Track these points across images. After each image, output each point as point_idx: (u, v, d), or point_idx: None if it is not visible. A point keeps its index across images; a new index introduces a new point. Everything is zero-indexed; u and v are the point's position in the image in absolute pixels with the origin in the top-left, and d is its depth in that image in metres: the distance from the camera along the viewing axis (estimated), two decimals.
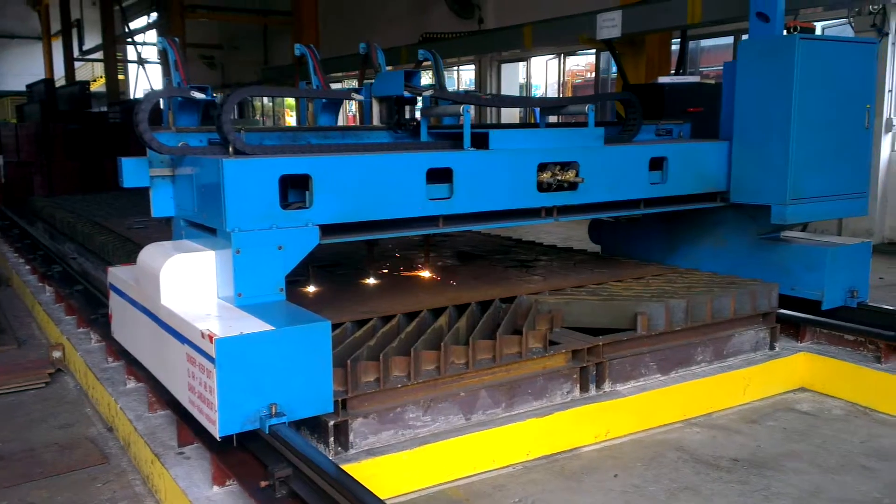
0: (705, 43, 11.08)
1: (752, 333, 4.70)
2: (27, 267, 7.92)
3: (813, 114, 4.53)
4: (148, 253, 3.72)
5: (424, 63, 4.64)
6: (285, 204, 3.58)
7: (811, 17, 9.86)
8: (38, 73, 32.38)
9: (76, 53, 32.64)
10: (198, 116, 4.05)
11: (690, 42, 11.66)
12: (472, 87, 16.64)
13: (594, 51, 12.40)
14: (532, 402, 3.93)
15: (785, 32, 4.70)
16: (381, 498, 2.50)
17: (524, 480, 3.62)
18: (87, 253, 7.43)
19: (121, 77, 33.88)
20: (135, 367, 4.21)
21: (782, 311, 4.92)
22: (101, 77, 32.55)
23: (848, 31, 9.70)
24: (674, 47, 9.24)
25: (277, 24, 24.21)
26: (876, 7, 9.07)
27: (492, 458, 3.70)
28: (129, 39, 28.58)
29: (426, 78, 5.77)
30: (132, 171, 3.81)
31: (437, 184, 3.92)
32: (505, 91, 15.74)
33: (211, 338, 2.90)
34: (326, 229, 3.63)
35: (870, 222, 9.52)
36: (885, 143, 9.41)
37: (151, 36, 33.40)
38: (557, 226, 10.55)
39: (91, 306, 5.63)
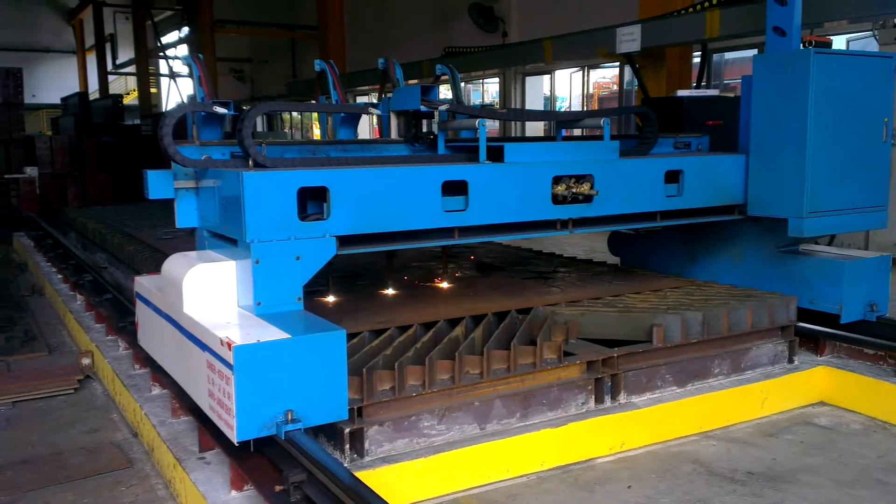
0: (730, 56, 11.07)
1: (770, 347, 4.70)
2: (59, 276, 8.11)
3: (829, 127, 4.54)
4: (172, 263, 3.83)
5: (442, 77, 4.71)
6: (304, 215, 3.67)
7: (834, 31, 9.82)
8: (73, 87, 33.10)
9: (109, 67, 33.33)
10: (221, 130, 4.15)
11: (715, 55, 11.67)
12: (497, 101, 16.72)
13: (618, 63, 12.44)
14: (547, 413, 3.97)
15: (802, 47, 4.71)
16: None
17: (538, 490, 3.66)
18: (117, 262, 7.61)
19: (153, 90, 34.51)
20: (159, 374, 4.32)
21: (802, 324, 4.91)
22: (134, 90, 33.20)
23: (873, 45, 9.63)
24: (697, 60, 9.29)
25: (305, 38, 24.54)
26: None
27: (506, 468, 3.74)
28: (161, 54, 29.12)
29: (446, 92, 5.83)
30: (157, 184, 3.93)
31: (453, 196, 3.99)
32: (529, 104, 15.80)
33: (230, 345, 2.99)
34: (344, 240, 3.72)
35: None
36: None
37: (183, 50, 34.02)
38: (581, 238, 10.56)
39: (119, 314, 5.77)
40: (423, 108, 4.18)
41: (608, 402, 4.15)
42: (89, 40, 34.40)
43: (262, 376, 3.03)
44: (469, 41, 15.59)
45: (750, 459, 3.96)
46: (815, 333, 4.90)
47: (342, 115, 4.38)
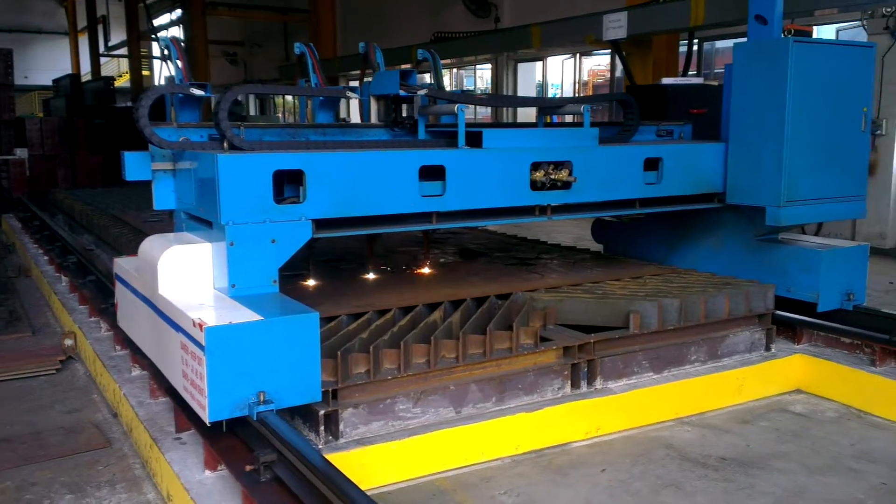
0: (721, 44, 11.06)
1: (747, 334, 4.73)
2: (45, 258, 8.11)
3: (808, 116, 4.55)
4: (148, 244, 3.84)
5: (423, 62, 4.71)
6: (280, 198, 3.67)
7: (824, 21, 9.83)
8: (65, 69, 32.93)
9: (102, 49, 33.13)
10: (199, 112, 4.15)
11: (706, 43, 11.65)
12: (489, 87, 16.69)
13: (609, 51, 12.42)
14: (523, 398, 4.00)
15: (782, 36, 4.72)
16: (367, 485, 2.58)
17: (511, 473, 3.69)
18: (102, 244, 7.62)
19: (146, 73, 34.33)
20: (138, 356, 4.33)
21: (780, 312, 4.95)
22: (127, 72, 33.02)
23: (862, 34, 9.64)
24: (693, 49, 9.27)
25: (298, 21, 24.41)
26: (889, 10, 9.00)
27: (481, 451, 3.77)
28: (153, 36, 28.94)
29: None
30: (135, 165, 3.94)
31: (431, 181, 4.00)
32: (521, 90, 15.78)
33: (201, 326, 3.01)
34: (320, 223, 3.72)
35: (882, 226, 9.46)
36: None
37: (175, 32, 33.81)
38: (571, 226, 10.58)
39: (102, 296, 5.77)
40: (401, 92, 4.17)
41: (584, 388, 4.18)
42: (81, 22, 34.19)
43: (234, 357, 3.04)
44: (462, 27, 15.55)
45: (724, 445, 4.00)
46: (792, 322, 4.93)
47: (321, 98, 4.38)
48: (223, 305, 3.33)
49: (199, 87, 3.98)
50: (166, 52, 4.27)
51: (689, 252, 5.51)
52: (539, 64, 15.69)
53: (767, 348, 4.79)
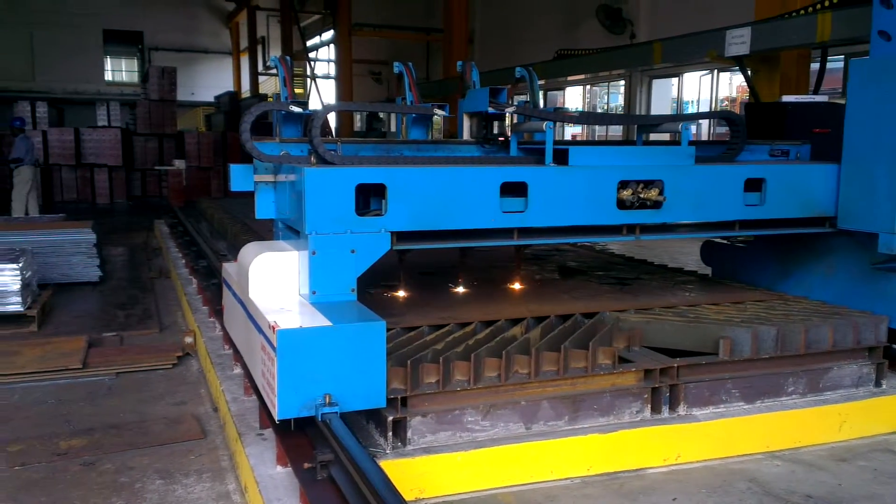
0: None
1: (854, 368, 4.43)
2: (182, 261, 8.77)
3: None
4: (245, 251, 4.11)
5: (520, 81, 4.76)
6: (364, 211, 3.84)
7: None
8: (227, 86, 35.33)
9: (261, 68, 35.31)
10: (301, 128, 4.40)
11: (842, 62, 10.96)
12: (620, 104, 16.42)
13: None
14: (598, 418, 3.95)
15: None
16: (430, 493, 2.59)
17: (578, 494, 3.65)
18: (233, 250, 8.15)
19: (299, 91, 36.25)
20: (238, 355, 4.63)
21: None
22: None
23: None
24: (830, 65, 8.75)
25: (438, 40, 25.02)
26: None
27: (549, 469, 3.75)
28: (308, 55, 30.57)
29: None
30: (239, 177, 4.24)
31: (515, 197, 4.05)
32: (655, 107, 15.43)
33: (274, 328, 3.20)
34: (400, 236, 3.86)
35: None
36: None
37: (326, 52, 35.52)
38: (694, 247, 10.23)
39: (220, 298, 6.18)
40: (490, 110, 4.25)
41: (666, 413, 4.06)
42: (243, 42, 36.59)
43: (303, 359, 3.21)
44: (596, 43, 15.42)
45: (812, 483, 3.77)
46: None
47: (414, 115, 4.53)
48: (300, 311, 3.52)
49: (299, 104, 4.22)
50: (278, 69, 4.55)
51: (801, 279, 5.22)
52: (675, 80, 15.29)
53: (878, 384, 4.47)
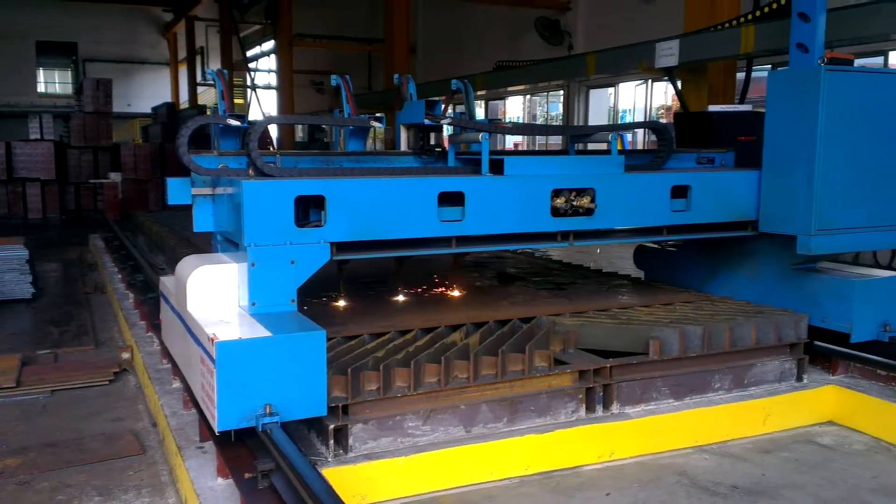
0: None
1: (776, 364, 4.65)
2: (119, 276, 8.64)
3: (842, 144, 4.47)
4: (183, 264, 4.11)
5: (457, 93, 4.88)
6: (304, 222, 3.89)
7: (893, 45, 9.51)
8: (166, 97, 34.75)
9: (199, 79, 34.85)
10: (239, 140, 4.42)
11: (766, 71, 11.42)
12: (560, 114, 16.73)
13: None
14: (535, 419, 4.06)
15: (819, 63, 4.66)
16: (372, 499, 2.66)
17: (516, 493, 3.76)
18: (171, 264, 8.07)
19: (239, 101, 35.88)
20: (176, 369, 4.62)
21: (817, 343, 4.85)
22: None
23: None
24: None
25: (381, 51, 25.12)
26: None
27: (489, 471, 3.85)
28: (248, 66, 30.30)
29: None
30: (177, 190, 4.23)
31: (453, 206, 4.15)
32: (592, 117, 15.79)
33: (213, 340, 3.23)
34: (340, 246, 3.92)
35: None
36: None
37: (266, 63, 35.27)
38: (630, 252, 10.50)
39: (158, 312, 6.13)
40: (427, 122, 4.35)
41: (600, 412, 4.20)
42: (182, 53, 36.07)
43: (242, 371, 3.25)
44: (536, 54, 15.71)
45: (738, 474, 3.95)
46: (828, 352, 4.82)
47: (351, 127, 4.60)
48: (240, 322, 3.55)
49: (237, 118, 4.25)
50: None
51: (727, 280, 5.45)
52: (612, 90, 15.67)
53: (799, 378, 4.70)
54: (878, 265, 9.26)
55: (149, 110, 29.41)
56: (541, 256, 7.24)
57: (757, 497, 3.70)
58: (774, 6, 6.53)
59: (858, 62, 10.42)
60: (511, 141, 18.39)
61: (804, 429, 4.54)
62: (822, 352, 4.85)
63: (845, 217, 4.57)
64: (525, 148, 17.05)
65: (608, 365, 4.23)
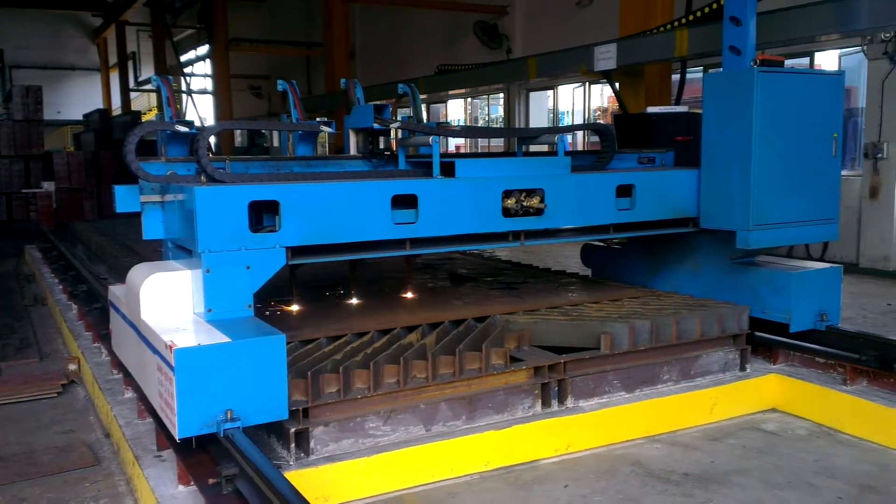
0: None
1: (720, 354, 4.83)
2: (60, 287, 8.42)
3: (775, 143, 4.68)
4: (135, 272, 4.06)
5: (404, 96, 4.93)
6: (258, 227, 3.89)
7: (825, 47, 9.94)
8: (97, 103, 33.86)
9: (132, 84, 34.04)
10: (187, 147, 4.39)
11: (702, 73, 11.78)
12: (501, 117, 16.92)
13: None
14: (493, 416, 4.14)
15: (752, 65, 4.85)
16: (336, 500, 2.70)
17: (478, 489, 3.83)
18: (114, 273, 7.91)
19: (176, 106, 35.12)
20: (129, 379, 4.55)
21: (759, 333, 5.05)
22: (156, 107, 33.83)
23: (863, 59, 9.73)
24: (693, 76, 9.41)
25: (319, 54, 24.96)
26: (888, 35, 9.09)
27: (450, 468, 3.91)
28: (183, 71, 29.73)
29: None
30: (124, 198, 4.19)
31: (406, 209, 4.20)
32: (533, 119, 16.01)
33: (171, 348, 3.21)
34: (295, 251, 3.93)
35: (886, 249, 9.46)
36: None
37: (201, 67, 34.69)
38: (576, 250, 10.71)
39: (105, 323, 6.00)
40: (375, 125, 4.39)
41: (555, 407, 4.31)
42: (113, 58, 35.18)
43: (202, 377, 3.23)
44: (476, 58, 15.83)
45: (689, 462, 4.10)
46: (769, 342, 5.02)
47: (299, 133, 4.61)
48: (197, 329, 3.53)
49: (185, 124, 4.22)
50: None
51: (671, 276, 5.63)
52: (551, 93, 15.91)
53: (742, 368, 4.89)
54: (810, 257, 9.66)
55: (80, 117, 28.63)
56: (489, 257, 7.34)
57: (707, 483, 3.84)
58: (707, 10, 6.77)
59: (788, 63, 10.88)
60: (453, 143, 18.54)
61: (749, 416, 4.72)
62: (763, 342, 5.04)
63: (780, 212, 4.78)
64: (467, 150, 17.19)
65: (562, 361, 4.34)
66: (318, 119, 4.54)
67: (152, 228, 4.27)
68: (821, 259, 9.46)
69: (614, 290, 5.53)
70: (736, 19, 5.00)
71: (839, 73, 5.06)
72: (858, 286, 8.67)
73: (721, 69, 5.11)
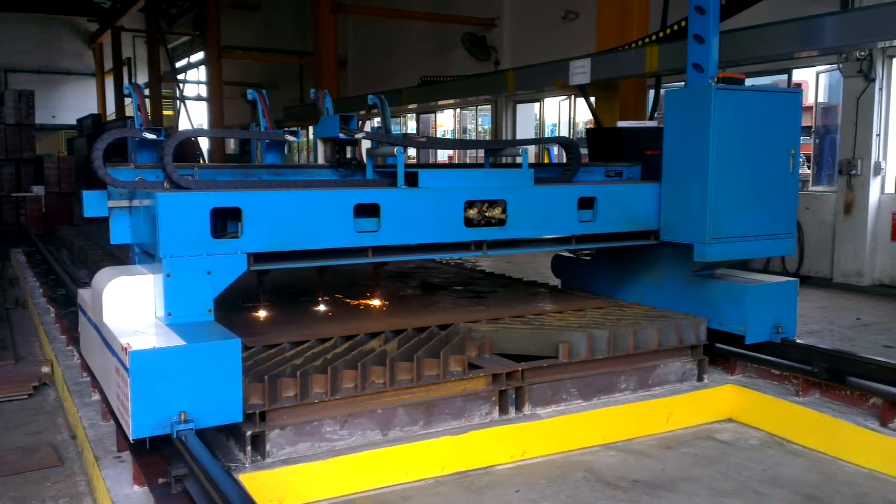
0: None
1: (678, 365, 4.93)
2: (40, 290, 8.49)
3: (733, 158, 4.80)
4: (100, 275, 4.15)
5: (374, 107, 5.03)
6: (220, 233, 3.98)
7: (803, 64, 10.09)
8: (92, 108, 33.92)
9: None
10: (155, 154, 4.48)
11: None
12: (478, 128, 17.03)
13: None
14: (450, 422, 4.23)
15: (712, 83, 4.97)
16: (290, 503, 2.76)
17: (431, 493, 3.91)
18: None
19: (168, 112, 35.27)
20: (96, 381, 4.62)
21: (718, 345, 5.15)
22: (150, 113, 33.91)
23: (839, 77, 9.88)
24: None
25: (312, 63, 25.09)
26: (863, 54, 9.25)
27: (405, 472, 4.00)
28: (177, 77, 29.86)
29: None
30: (93, 203, 4.28)
31: (369, 218, 4.30)
32: (520, 131, 16.15)
33: (126, 350, 3.30)
34: (257, 257, 4.03)
35: (859, 264, 9.59)
36: (874, 186, 9.51)
37: (195, 74, 34.81)
38: None
39: (78, 326, 6.09)
40: (342, 135, 4.49)
41: (513, 413, 4.39)
42: (108, 64, 35.30)
43: (156, 379, 3.32)
44: (464, 69, 15.98)
45: (640, 469, 4.19)
46: (726, 353, 5.12)
47: (267, 141, 4.71)
48: (155, 332, 3.62)
49: (154, 131, 4.31)
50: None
51: (635, 287, 5.73)
52: (537, 105, 16.05)
53: (700, 378, 4.98)
54: (786, 272, 9.78)
55: (74, 122, 28.70)
56: (468, 266, 7.43)
57: (655, 489, 3.93)
58: (676, 28, 6.90)
59: (767, 80, 11.03)
60: (445, 154, 18.69)
61: (705, 426, 4.81)
62: (721, 353, 5.15)
63: (737, 226, 4.90)
64: (457, 161, 17.31)
65: (520, 368, 4.43)
66: (284, 129, 4.63)
67: (120, 233, 4.36)
68: (795, 274, 9.60)
69: (579, 301, 5.63)
70: (699, 37, 5.12)
71: (797, 91, 5.19)
72: (830, 300, 8.79)
73: (684, 86, 5.23)
